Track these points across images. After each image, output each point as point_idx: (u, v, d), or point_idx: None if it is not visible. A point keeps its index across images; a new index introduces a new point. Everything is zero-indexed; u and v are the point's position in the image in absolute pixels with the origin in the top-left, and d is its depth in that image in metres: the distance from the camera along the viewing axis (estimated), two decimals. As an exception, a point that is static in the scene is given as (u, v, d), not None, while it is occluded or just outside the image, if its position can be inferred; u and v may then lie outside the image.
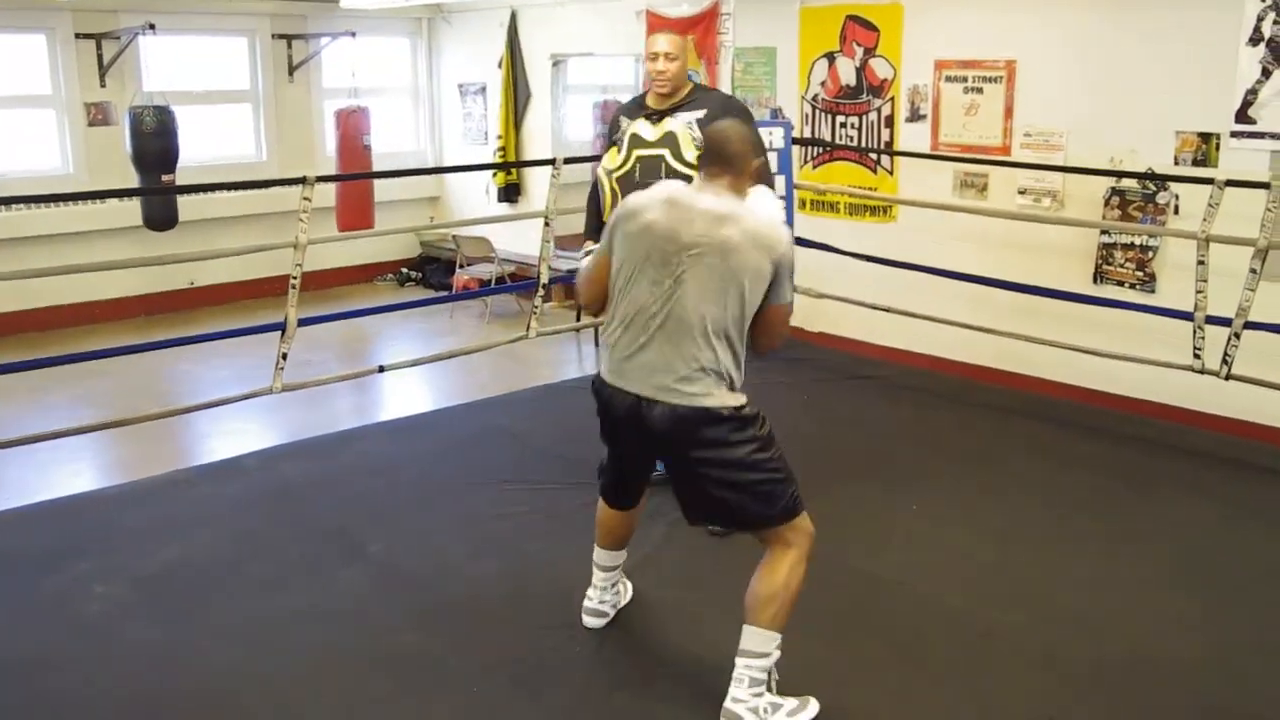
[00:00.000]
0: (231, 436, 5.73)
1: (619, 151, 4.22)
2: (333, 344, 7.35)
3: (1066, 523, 4.45)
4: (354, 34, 9.29)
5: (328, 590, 3.90)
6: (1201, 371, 5.21)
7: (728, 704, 3.02)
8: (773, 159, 6.47)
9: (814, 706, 3.12)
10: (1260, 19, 5.24)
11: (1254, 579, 4.02)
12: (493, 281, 8.73)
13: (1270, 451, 5.23)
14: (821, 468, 4.99)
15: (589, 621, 3.61)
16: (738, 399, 3.01)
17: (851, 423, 5.69)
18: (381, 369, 5.95)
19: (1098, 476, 4.96)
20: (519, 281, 8.39)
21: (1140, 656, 3.48)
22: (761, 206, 3.22)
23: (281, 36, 9.15)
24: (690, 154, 4.02)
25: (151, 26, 7.93)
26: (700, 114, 4.09)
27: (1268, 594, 3.90)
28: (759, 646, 3.02)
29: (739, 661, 3.04)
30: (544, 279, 6.20)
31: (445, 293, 9.03)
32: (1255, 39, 5.27)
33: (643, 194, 3.14)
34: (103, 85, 8.19)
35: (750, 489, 3.01)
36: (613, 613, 3.64)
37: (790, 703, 3.10)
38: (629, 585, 3.76)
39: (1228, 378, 5.12)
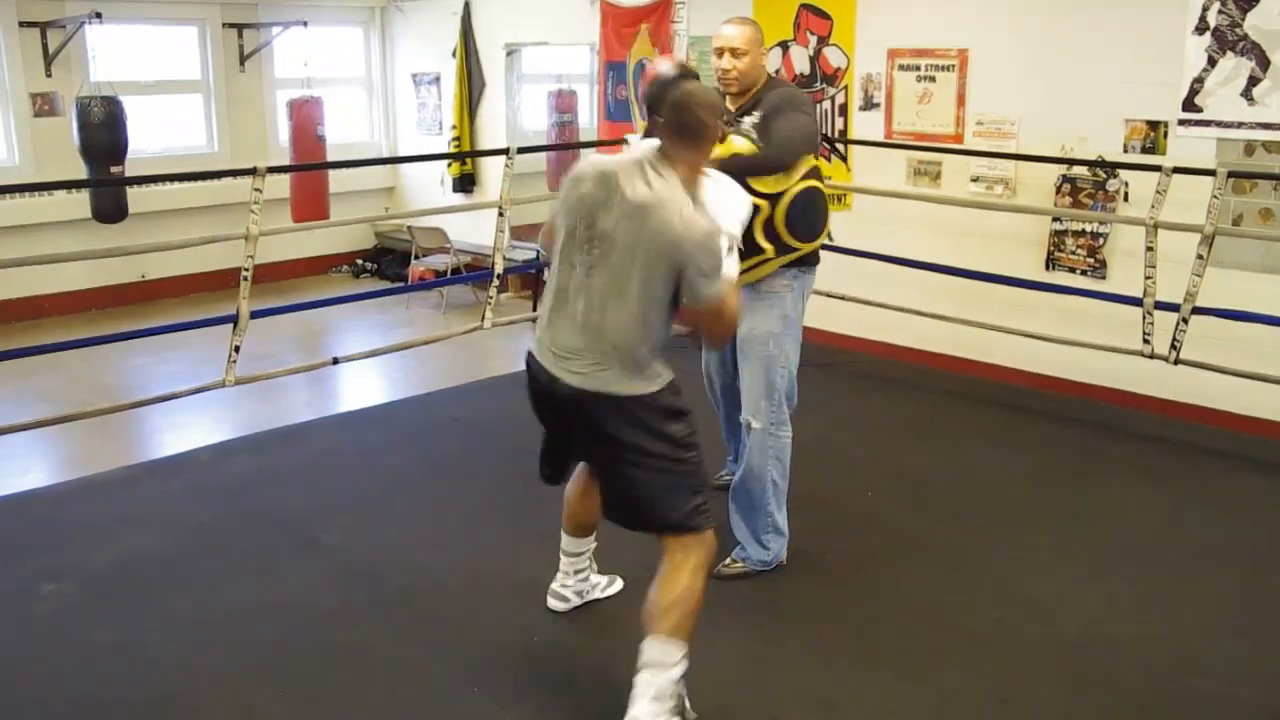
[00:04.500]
0: (183, 431, 5.66)
1: None
2: (287, 337, 7.28)
3: (1018, 505, 4.50)
4: (306, 23, 9.18)
5: (282, 584, 3.87)
6: (1151, 356, 5.27)
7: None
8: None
9: None
10: (1205, 8, 5.30)
11: (1203, 560, 4.08)
12: (448, 272, 8.68)
13: (1218, 434, 5.31)
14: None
15: (551, 604, 3.61)
16: (647, 386, 2.88)
17: (805, 410, 5.69)
18: (335, 361, 5.90)
19: (1049, 460, 5.02)
20: (474, 272, 8.34)
21: (1092, 637, 3.52)
22: (712, 195, 3.07)
23: (232, 26, 9.03)
24: (759, 182, 3.60)
25: (98, 15, 7.78)
26: (758, 117, 3.67)
27: (1216, 575, 3.97)
28: (659, 657, 2.86)
29: (640, 676, 2.86)
30: (499, 269, 6.18)
31: (401, 284, 8.97)
32: (1201, 28, 5.33)
33: (593, 160, 2.99)
34: (48, 75, 8.04)
35: (657, 481, 2.90)
36: (578, 600, 3.63)
37: None
38: (615, 581, 3.73)
39: (1176, 362, 5.19)
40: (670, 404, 2.93)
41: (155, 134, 8.67)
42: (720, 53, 3.72)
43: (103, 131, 7.54)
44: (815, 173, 3.74)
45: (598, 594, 3.69)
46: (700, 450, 3.00)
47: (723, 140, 3.38)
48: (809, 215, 3.72)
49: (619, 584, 3.74)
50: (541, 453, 3.24)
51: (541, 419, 3.15)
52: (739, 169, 3.43)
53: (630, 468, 2.92)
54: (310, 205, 8.51)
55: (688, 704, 2.97)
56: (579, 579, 3.63)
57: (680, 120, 2.91)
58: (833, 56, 6.82)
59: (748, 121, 3.69)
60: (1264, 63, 5.18)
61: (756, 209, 3.52)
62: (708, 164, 3.09)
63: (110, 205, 7.78)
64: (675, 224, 2.79)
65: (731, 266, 3.06)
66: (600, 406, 2.90)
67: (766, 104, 3.68)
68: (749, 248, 3.61)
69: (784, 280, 3.80)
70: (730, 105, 3.75)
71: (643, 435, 2.89)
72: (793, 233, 3.68)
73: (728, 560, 3.86)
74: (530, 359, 3.06)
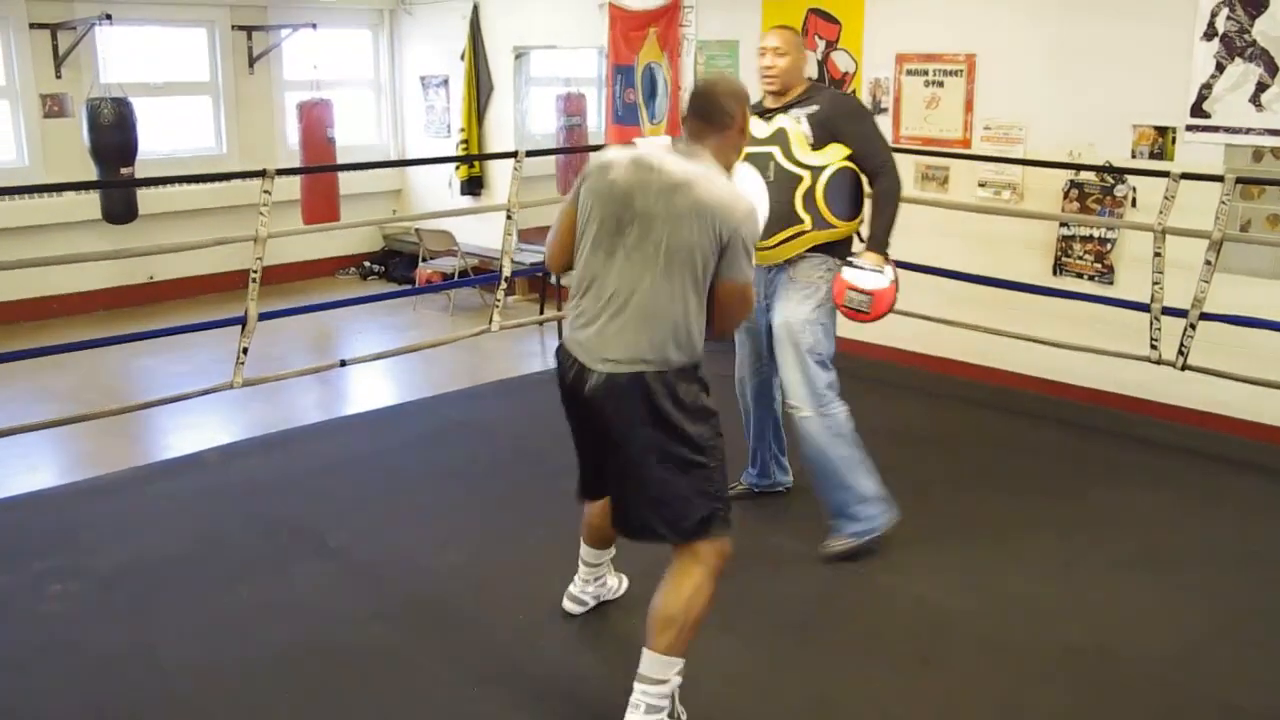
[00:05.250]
0: (192, 432, 5.68)
1: None
2: (295, 339, 7.30)
3: (1024, 510, 4.49)
4: (315, 25, 9.21)
5: (289, 586, 3.88)
6: (1158, 362, 5.27)
7: None
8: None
9: None
10: (1214, 14, 5.30)
11: (1210, 566, 4.07)
12: (456, 275, 8.69)
13: (1225, 441, 5.31)
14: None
15: (567, 606, 3.62)
16: (684, 362, 2.83)
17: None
18: (343, 363, 5.91)
19: (1056, 465, 5.02)
20: (482, 275, 8.36)
21: (1099, 643, 3.52)
22: (740, 180, 3.11)
23: (241, 28, 9.05)
24: (801, 151, 3.89)
25: (108, 17, 7.82)
26: (813, 109, 3.93)
27: (1224, 581, 3.96)
28: (655, 673, 2.85)
29: (636, 686, 2.87)
30: (507, 272, 6.19)
31: (408, 286, 8.98)
32: (1209, 34, 5.33)
33: (616, 149, 2.96)
34: (58, 76, 8.07)
35: (674, 481, 2.84)
36: (593, 603, 3.65)
37: None
38: (623, 581, 3.73)
39: (1184, 368, 5.18)
40: (697, 400, 2.86)
41: (165, 136, 8.69)
42: (764, 52, 4.02)
43: (113, 133, 7.58)
44: (853, 158, 3.94)
45: (609, 596, 3.70)
46: (723, 456, 2.93)
47: (769, 120, 3.90)
48: (850, 194, 3.93)
49: (625, 583, 3.74)
50: (579, 466, 3.14)
51: (570, 419, 3.04)
52: (896, 204, 3.92)
53: (646, 468, 2.84)
54: (321, 207, 8.53)
55: (678, 704, 2.96)
56: (597, 584, 3.64)
57: (704, 106, 2.93)
58: (841, 61, 6.83)
59: (797, 111, 3.95)
60: (1272, 69, 5.18)
61: (797, 178, 3.83)
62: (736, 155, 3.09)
63: (120, 206, 7.82)
64: (722, 194, 2.79)
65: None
66: (625, 395, 2.80)
67: (824, 103, 3.95)
68: (786, 218, 3.85)
69: (821, 270, 3.97)
70: (773, 103, 4.04)
71: (663, 432, 2.81)
72: (831, 208, 3.86)
73: (830, 539, 4.02)
74: (560, 353, 2.97)
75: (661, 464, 2.83)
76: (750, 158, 3.89)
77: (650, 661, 2.86)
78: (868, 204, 4.05)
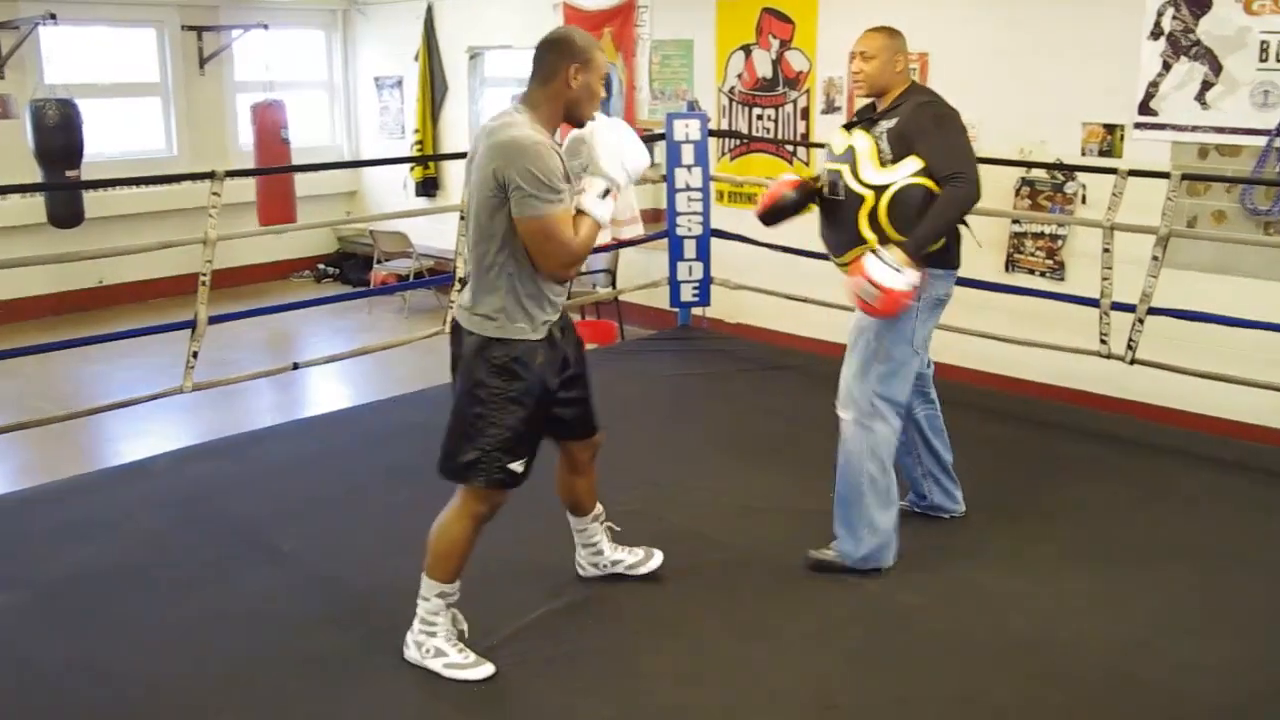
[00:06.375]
0: (141, 438, 5.61)
1: (822, 158, 4.02)
2: (249, 342, 7.23)
3: (973, 505, 4.50)
4: (266, 26, 9.14)
5: (241, 592, 3.84)
6: (1108, 356, 5.33)
7: (406, 635, 3.28)
8: (689, 151, 6.55)
9: (485, 669, 3.21)
10: (1160, 13, 5.37)
11: (1157, 558, 4.11)
12: (411, 276, 8.65)
13: (1174, 433, 5.37)
14: (736, 455, 5.05)
15: (577, 569, 3.81)
16: (494, 331, 3.09)
17: (768, 411, 5.72)
18: (296, 366, 5.86)
19: (1007, 459, 5.05)
20: (437, 276, 8.31)
21: (1049, 634, 3.55)
22: (598, 136, 3.15)
23: (191, 28, 8.97)
24: (869, 170, 3.70)
25: (52, 16, 7.71)
26: (893, 122, 3.73)
27: (1170, 572, 4.00)
28: (423, 589, 3.25)
29: (417, 601, 3.27)
30: (461, 273, 6.16)
31: (363, 288, 8.93)
32: (1156, 33, 5.40)
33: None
34: (1, 77, 7.96)
35: (455, 422, 3.17)
36: (595, 571, 3.73)
37: (456, 656, 3.22)
38: (642, 555, 3.80)
39: (1133, 362, 5.24)
40: (500, 354, 3.10)
41: (113, 138, 8.59)
42: (852, 56, 3.89)
43: (58, 134, 7.48)
44: (928, 172, 3.67)
45: (621, 570, 3.78)
46: (503, 412, 3.13)
47: (848, 135, 3.79)
48: (921, 209, 3.66)
49: (656, 559, 3.80)
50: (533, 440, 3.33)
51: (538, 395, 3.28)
52: (950, 214, 3.66)
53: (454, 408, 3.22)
54: (276, 208, 8.46)
55: (459, 627, 3.31)
56: (590, 552, 3.75)
57: (532, 63, 3.10)
58: (795, 60, 6.85)
59: (884, 125, 3.73)
60: (1216, 67, 5.25)
61: (860, 199, 3.68)
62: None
63: (66, 210, 7.70)
64: (501, 139, 2.96)
65: (599, 206, 3.13)
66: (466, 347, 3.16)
67: (904, 114, 3.72)
68: (853, 239, 3.73)
69: None
70: (869, 111, 3.87)
71: (462, 376, 3.16)
72: (896, 226, 3.67)
73: (821, 549, 3.95)
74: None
75: (458, 397, 3.20)
76: (828, 173, 3.82)
77: (422, 579, 3.26)
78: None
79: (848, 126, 3.89)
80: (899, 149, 3.68)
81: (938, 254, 3.76)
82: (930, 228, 3.62)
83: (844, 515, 3.90)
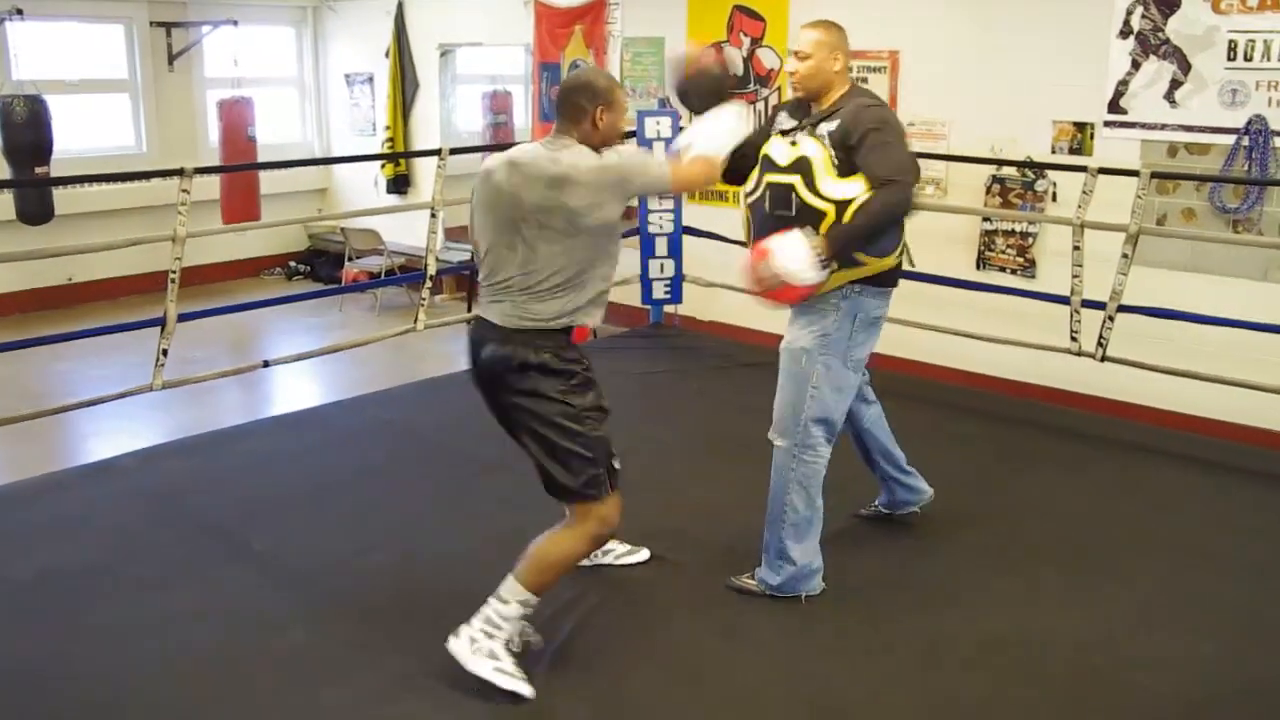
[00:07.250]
0: (110, 436, 5.55)
1: (757, 169, 3.65)
2: (220, 340, 7.17)
3: (944, 502, 4.51)
4: (236, 22, 9.07)
5: (211, 590, 3.81)
6: (1079, 354, 5.37)
7: (460, 628, 3.19)
8: (660, 149, 6.54)
9: (529, 689, 3.14)
10: (1129, 12, 5.41)
11: (1126, 554, 4.14)
12: (382, 274, 8.61)
13: (1144, 430, 5.41)
14: (709, 453, 5.06)
15: None
16: (543, 352, 3.19)
17: (740, 409, 5.70)
18: (266, 364, 5.82)
19: (978, 456, 5.08)
20: (408, 273, 8.28)
21: (1019, 631, 3.57)
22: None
23: (160, 24, 8.89)
24: (825, 182, 3.40)
25: (19, 12, 7.63)
26: (834, 125, 3.45)
27: (1140, 568, 4.03)
28: (505, 591, 3.16)
29: (490, 600, 3.18)
30: (432, 270, 6.14)
31: (334, 286, 8.87)
32: (1125, 32, 5.44)
33: (494, 157, 3.25)
34: (-32, 73, 7.87)
35: (550, 449, 3.13)
36: (586, 561, 3.62)
37: (509, 664, 3.16)
38: (629, 550, 3.93)
39: (1103, 359, 5.28)
40: (567, 367, 3.24)
41: (81, 134, 8.50)
42: (790, 56, 3.82)
43: (26, 131, 7.40)
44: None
45: (610, 560, 3.89)
46: (596, 415, 3.19)
47: (794, 143, 3.52)
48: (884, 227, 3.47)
49: (644, 552, 3.95)
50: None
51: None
52: (880, 216, 3.40)
53: (527, 437, 3.22)
54: (241, 206, 8.39)
55: (530, 639, 3.25)
56: None
57: (559, 105, 3.20)
58: (766, 58, 6.86)
59: (824, 128, 3.48)
60: (1185, 66, 5.29)
61: (820, 214, 3.39)
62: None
63: (35, 206, 7.63)
64: (536, 161, 3.09)
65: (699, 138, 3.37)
66: (498, 368, 3.23)
67: (845, 117, 3.45)
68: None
69: (832, 298, 3.54)
70: (811, 113, 3.60)
71: (541, 401, 3.17)
72: (860, 244, 3.43)
73: (745, 575, 3.80)
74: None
75: (540, 423, 3.19)
76: (771, 188, 3.53)
77: (507, 582, 3.18)
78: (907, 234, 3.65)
79: (785, 132, 3.61)
80: (843, 156, 3.42)
81: (883, 273, 3.57)
82: (857, 226, 3.37)
83: (768, 540, 3.74)
